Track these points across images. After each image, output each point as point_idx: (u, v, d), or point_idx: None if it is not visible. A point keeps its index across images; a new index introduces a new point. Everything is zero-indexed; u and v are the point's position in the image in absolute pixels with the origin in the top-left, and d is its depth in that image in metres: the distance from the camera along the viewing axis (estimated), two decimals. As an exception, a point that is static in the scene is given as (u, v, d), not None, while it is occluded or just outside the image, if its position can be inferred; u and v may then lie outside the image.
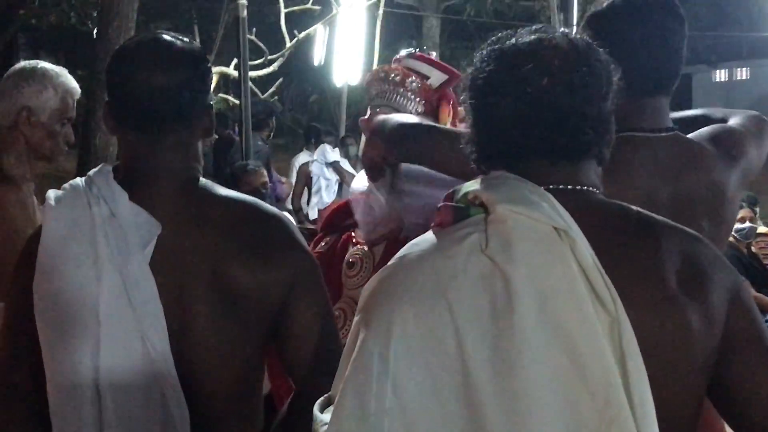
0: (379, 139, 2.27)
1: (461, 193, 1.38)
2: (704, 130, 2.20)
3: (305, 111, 20.27)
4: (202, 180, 1.81)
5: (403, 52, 2.75)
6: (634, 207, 1.46)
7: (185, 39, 1.81)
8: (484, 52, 1.45)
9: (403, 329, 1.26)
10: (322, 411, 1.36)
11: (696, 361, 1.36)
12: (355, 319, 1.36)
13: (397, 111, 2.57)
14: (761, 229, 7.79)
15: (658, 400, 1.26)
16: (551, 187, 1.39)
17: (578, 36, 1.46)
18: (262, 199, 4.65)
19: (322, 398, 1.39)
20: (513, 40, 1.44)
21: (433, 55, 2.85)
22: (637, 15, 2.07)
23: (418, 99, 2.57)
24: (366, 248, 2.60)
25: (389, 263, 1.38)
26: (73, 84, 2.76)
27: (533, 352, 1.23)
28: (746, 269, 6.52)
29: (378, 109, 2.61)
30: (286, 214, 2.14)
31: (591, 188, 1.43)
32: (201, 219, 1.75)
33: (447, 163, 2.09)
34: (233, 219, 1.76)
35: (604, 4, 2.14)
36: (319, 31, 10.82)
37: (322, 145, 9.32)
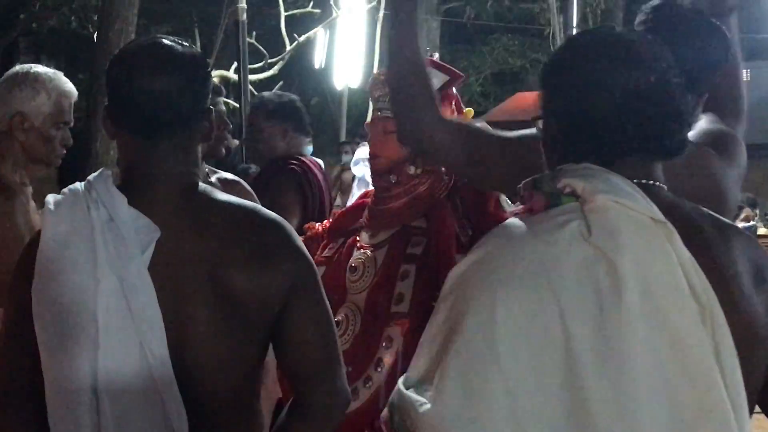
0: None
1: (546, 181, 1.40)
2: (705, 130, 2.20)
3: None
4: (201, 185, 1.80)
5: None
6: (702, 207, 1.50)
7: (185, 43, 1.81)
8: (571, 49, 1.48)
9: (507, 312, 1.28)
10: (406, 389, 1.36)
11: (761, 360, 1.40)
12: (444, 302, 1.37)
13: None
14: (761, 230, 7.80)
15: None
16: (634, 181, 1.41)
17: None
18: (263, 202, 4.66)
19: (402, 378, 1.40)
20: (605, 37, 1.46)
21: (435, 56, 2.85)
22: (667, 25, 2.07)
23: None
24: (369, 252, 2.61)
25: (479, 246, 1.39)
26: (68, 87, 2.75)
27: (638, 338, 1.26)
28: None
29: (379, 113, 2.62)
30: None
31: (663, 185, 1.48)
32: (200, 224, 1.74)
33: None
34: (232, 224, 1.76)
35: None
36: (319, 34, 10.83)
37: None
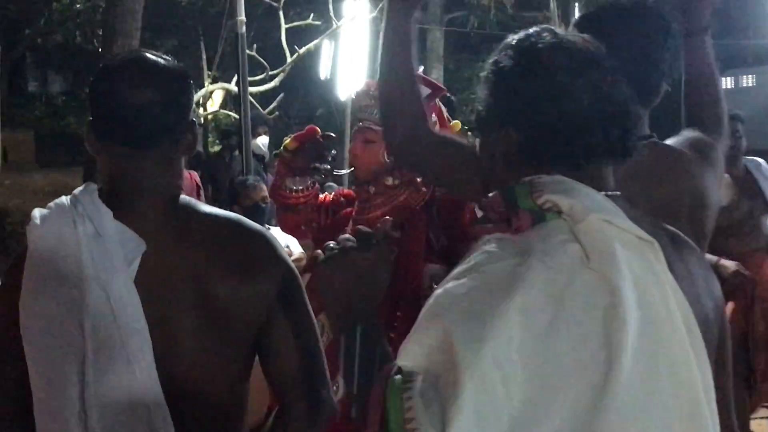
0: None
1: (522, 196, 1.35)
2: (683, 137, 2.23)
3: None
4: (184, 197, 1.82)
5: None
6: (683, 210, 1.48)
7: (168, 57, 1.83)
8: (525, 56, 1.43)
9: (521, 346, 1.22)
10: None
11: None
12: (449, 314, 1.27)
13: (377, 125, 2.60)
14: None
15: None
16: (602, 194, 1.38)
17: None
18: (262, 213, 4.69)
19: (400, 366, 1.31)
20: (555, 41, 1.42)
21: (420, 69, 2.88)
22: (619, 23, 2.08)
23: None
24: None
25: (473, 267, 1.31)
26: None
27: (640, 365, 1.22)
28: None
29: (361, 123, 2.66)
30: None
31: (619, 194, 1.44)
32: (185, 236, 1.76)
33: (448, 174, 2.09)
34: (217, 236, 1.78)
35: (593, 9, 2.17)
36: (325, 45, 10.86)
37: None
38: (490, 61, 1.48)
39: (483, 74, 1.48)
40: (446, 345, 1.25)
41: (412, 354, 1.30)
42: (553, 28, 1.47)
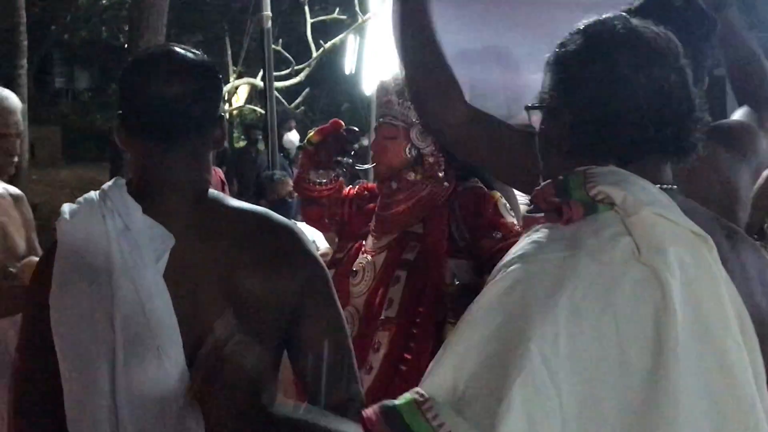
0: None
1: (575, 187, 1.34)
2: (717, 131, 2.20)
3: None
4: (212, 191, 1.82)
5: None
6: (712, 205, 1.49)
7: (196, 51, 1.82)
8: (593, 41, 1.40)
9: (571, 346, 1.21)
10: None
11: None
12: (491, 316, 1.26)
13: (398, 120, 2.60)
14: None
15: None
16: (657, 187, 1.37)
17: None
18: (288, 207, 4.70)
19: (427, 383, 1.28)
20: (626, 30, 1.40)
21: None
22: (662, 16, 2.05)
23: None
24: (370, 257, 2.65)
25: (522, 257, 1.30)
26: (6, 102, 2.87)
27: (689, 363, 1.21)
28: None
29: (382, 119, 2.65)
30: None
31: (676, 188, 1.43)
32: (213, 231, 1.76)
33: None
34: (245, 230, 1.77)
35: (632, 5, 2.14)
36: (350, 39, 10.85)
37: None
38: (558, 42, 1.46)
39: (548, 56, 1.47)
40: (490, 347, 1.24)
41: (449, 361, 1.27)
42: (627, 17, 1.44)
